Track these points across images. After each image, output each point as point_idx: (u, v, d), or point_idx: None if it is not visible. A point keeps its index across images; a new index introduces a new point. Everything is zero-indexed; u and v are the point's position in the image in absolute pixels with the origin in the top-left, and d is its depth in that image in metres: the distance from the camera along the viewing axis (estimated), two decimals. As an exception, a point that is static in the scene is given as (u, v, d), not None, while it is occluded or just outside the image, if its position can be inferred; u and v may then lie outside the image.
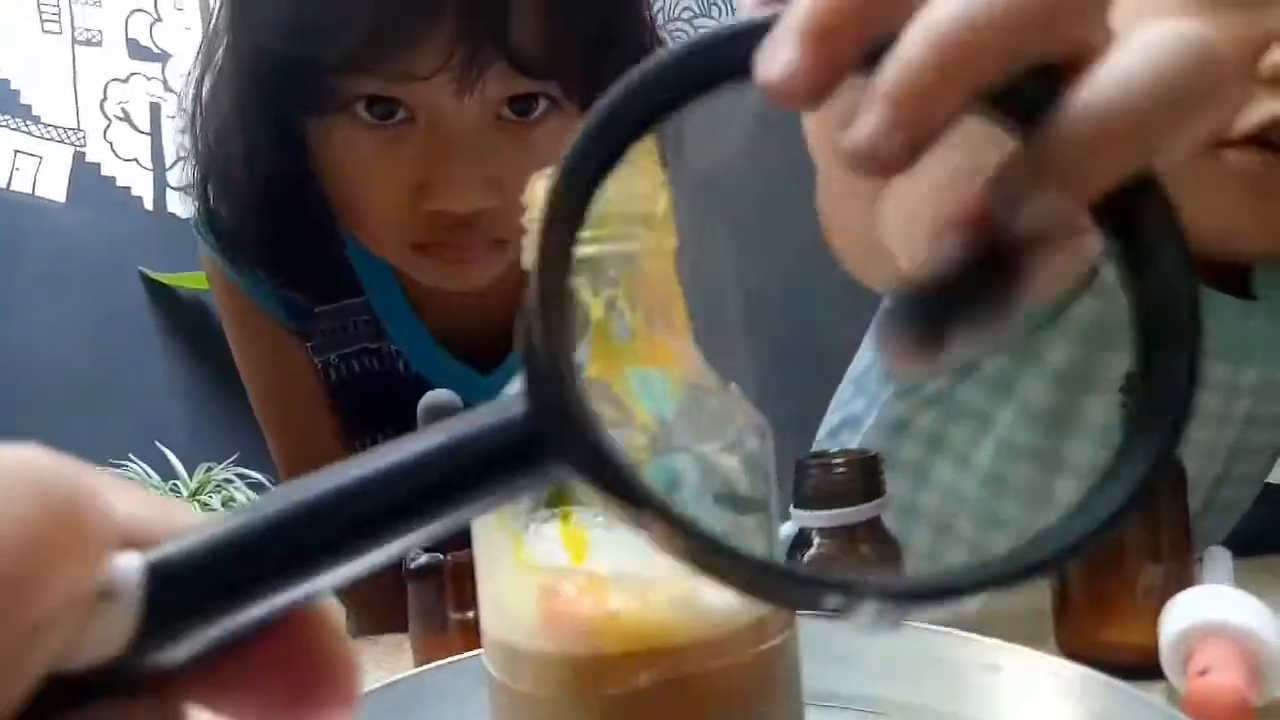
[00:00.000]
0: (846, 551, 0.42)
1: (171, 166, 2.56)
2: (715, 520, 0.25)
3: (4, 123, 2.29)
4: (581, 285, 0.25)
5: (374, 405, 0.76)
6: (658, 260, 0.26)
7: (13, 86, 2.30)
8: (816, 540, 0.43)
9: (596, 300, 0.25)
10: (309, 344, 0.75)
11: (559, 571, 0.23)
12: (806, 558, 0.42)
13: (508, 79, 0.58)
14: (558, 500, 0.24)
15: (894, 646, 0.34)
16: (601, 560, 0.23)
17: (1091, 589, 0.41)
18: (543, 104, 0.62)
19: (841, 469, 0.42)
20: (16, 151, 2.30)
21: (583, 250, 0.24)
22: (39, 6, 2.34)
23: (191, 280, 2.45)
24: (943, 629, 0.34)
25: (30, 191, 2.33)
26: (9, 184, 2.30)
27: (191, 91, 0.69)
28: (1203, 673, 0.34)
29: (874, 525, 0.43)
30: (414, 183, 0.60)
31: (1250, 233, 0.49)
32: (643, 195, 0.25)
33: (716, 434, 0.26)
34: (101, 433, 2.30)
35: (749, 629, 0.24)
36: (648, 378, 0.26)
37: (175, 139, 0.75)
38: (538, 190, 0.25)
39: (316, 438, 0.76)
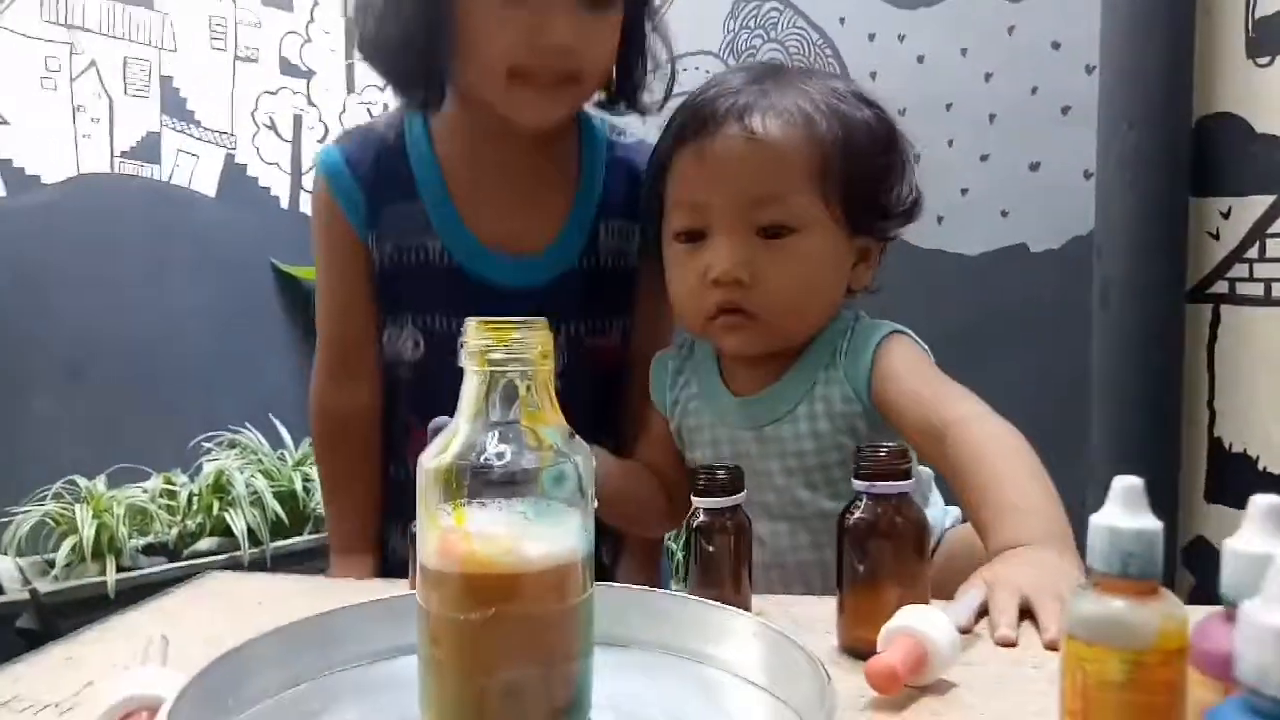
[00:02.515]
0: (720, 523, 0.64)
1: (307, 171, 2.89)
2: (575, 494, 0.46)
3: (171, 125, 2.63)
4: (515, 379, 0.46)
5: (414, 290, 0.97)
6: (544, 373, 0.46)
7: (181, 94, 2.64)
8: (702, 515, 0.64)
9: (522, 386, 0.46)
10: (374, 232, 0.97)
11: (449, 528, 0.44)
12: (695, 524, 0.64)
13: None
14: (455, 498, 0.44)
15: (673, 610, 0.54)
16: (472, 526, 0.44)
17: (856, 601, 0.59)
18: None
19: (720, 474, 0.65)
20: (179, 150, 2.65)
21: (512, 367, 0.45)
22: (210, 25, 2.69)
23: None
24: (720, 606, 0.54)
25: (187, 185, 2.67)
26: (170, 177, 2.64)
27: None
28: (880, 653, 0.51)
29: (736, 509, 0.64)
30: (529, 26, 0.85)
31: (733, 351, 0.88)
32: (537, 344, 0.45)
33: (576, 456, 0.46)
34: (225, 402, 2.62)
35: (554, 576, 0.44)
36: (548, 427, 0.46)
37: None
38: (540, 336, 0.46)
39: (355, 320, 1.00)
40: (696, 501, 0.64)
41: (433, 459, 0.45)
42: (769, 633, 0.51)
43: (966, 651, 0.57)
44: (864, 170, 0.84)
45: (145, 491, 2.41)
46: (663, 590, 0.58)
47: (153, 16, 2.57)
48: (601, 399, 1.02)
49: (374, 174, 0.98)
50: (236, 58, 2.76)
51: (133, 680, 0.46)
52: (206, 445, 2.53)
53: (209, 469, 2.45)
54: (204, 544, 2.36)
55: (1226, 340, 1.57)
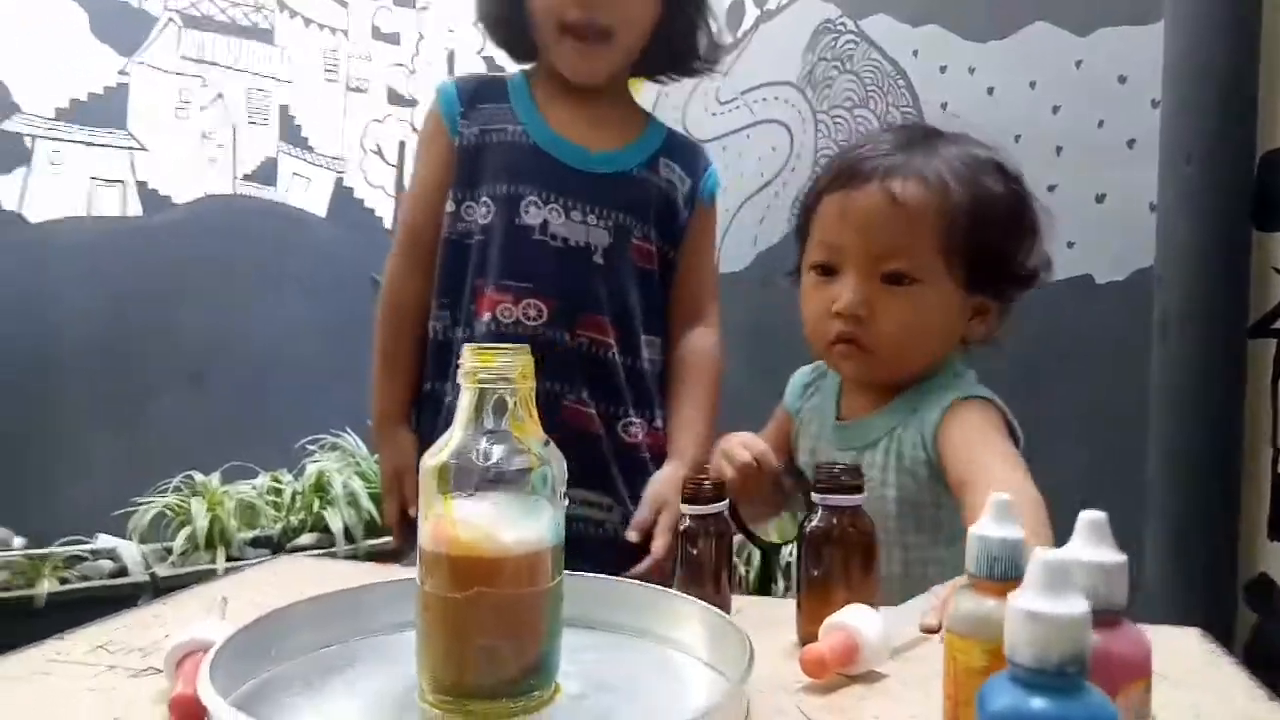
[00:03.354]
0: (705, 527, 0.73)
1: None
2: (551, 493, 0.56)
3: (287, 150, 2.86)
4: (506, 397, 0.55)
5: (491, 162, 1.16)
6: (525, 390, 0.56)
7: (296, 122, 2.87)
8: (688, 520, 0.74)
9: (511, 403, 0.56)
10: (464, 122, 1.18)
11: (441, 515, 0.54)
12: (681, 529, 0.74)
13: None
14: (445, 490, 0.54)
15: (634, 598, 0.63)
16: (459, 514, 0.53)
17: (811, 599, 0.66)
18: None
19: (705, 485, 0.75)
20: (294, 174, 2.87)
21: (506, 387, 0.55)
22: (324, 59, 2.91)
23: (412, 290, 2.96)
24: (673, 593, 0.63)
25: (300, 206, 2.90)
26: (285, 198, 2.87)
27: None
28: (816, 642, 0.59)
29: (719, 515, 0.75)
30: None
31: (846, 376, 0.99)
32: (518, 366, 0.55)
33: (552, 460, 0.56)
34: (329, 407, 2.82)
35: (526, 561, 0.53)
36: (530, 437, 0.56)
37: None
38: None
39: (429, 206, 1.19)
40: (683, 508, 0.72)
41: (432, 457, 0.56)
42: (711, 616, 0.59)
43: (909, 650, 0.64)
44: (989, 238, 0.92)
45: (254, 488, 2.62)
46: (625, 580, 0.67)
47: (273, 51, 2.81)
48: (634, 283, 1.18)
49: (473, 87, 1.22)
50: (347, 88, 2.97)
51: (195, 628, 0.57)
52: (310, 448, 2.73)
53: (311, 470, 2.64)
54: (304, 539, 2.54)
55: (1290, 376, 1.56)
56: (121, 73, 2.55)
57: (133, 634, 0.67)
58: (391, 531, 1.24)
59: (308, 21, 2.87)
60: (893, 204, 0.90)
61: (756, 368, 1.43)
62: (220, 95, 2.72)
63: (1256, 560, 1.57)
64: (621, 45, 1.14)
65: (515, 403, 0.56)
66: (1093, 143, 1.82)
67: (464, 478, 0.55)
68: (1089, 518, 0.43)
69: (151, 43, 2.59)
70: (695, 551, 0.72)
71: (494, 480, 0.55)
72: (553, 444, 0.57)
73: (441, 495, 0.55)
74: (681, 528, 0.72)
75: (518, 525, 0.54)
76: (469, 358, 0.55)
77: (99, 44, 2.51)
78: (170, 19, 2.62)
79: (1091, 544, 0.43)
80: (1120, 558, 0.43)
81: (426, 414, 1.21)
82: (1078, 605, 0.35)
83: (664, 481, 1.10)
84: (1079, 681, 0.35)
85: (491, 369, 0.55)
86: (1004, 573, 0.47)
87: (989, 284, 0.94)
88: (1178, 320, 1.61)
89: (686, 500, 0.72)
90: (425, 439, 1.20)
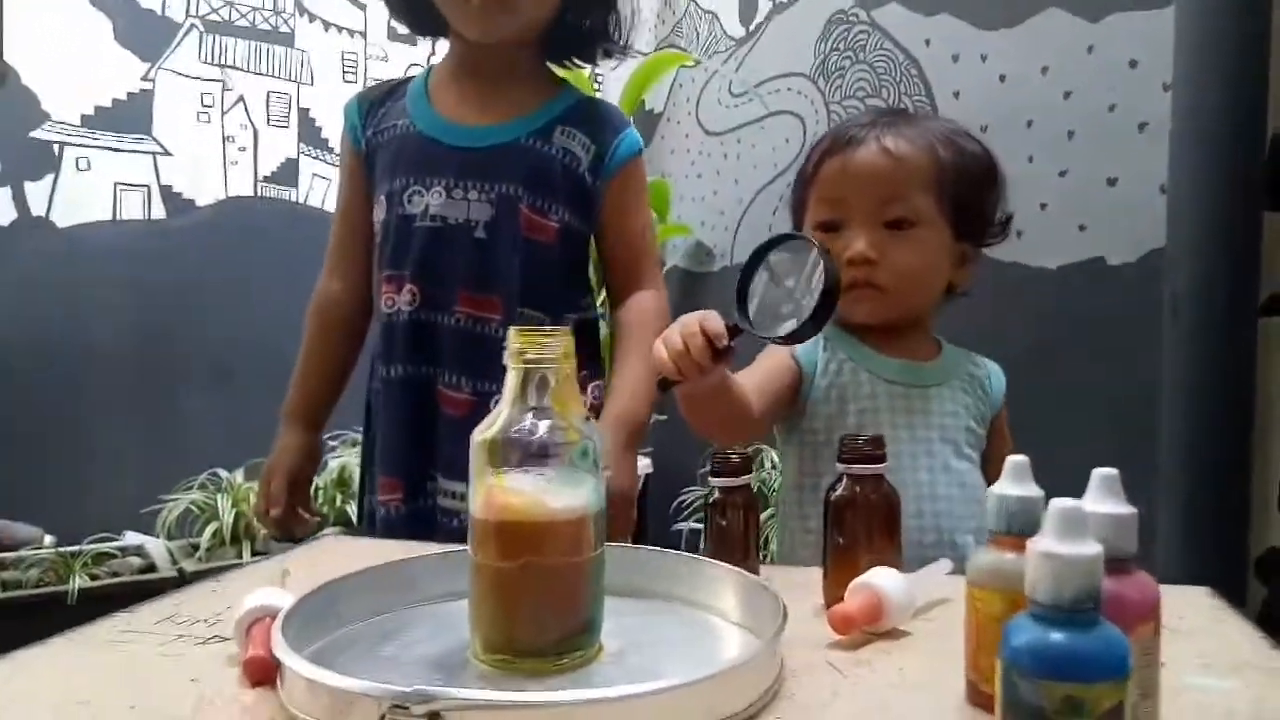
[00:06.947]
0: (731, 499, 0.76)
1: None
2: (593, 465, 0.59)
3: (308, 152, 2.90)
4: (550, 373, 0.59)
5: (384, 160, 1.19)
6: (566, 369, 0.59)
7: (317, 124, 2.91)
8: (718, 493, 0.77)
9: (555, 379, 0.59)
10: (366, 133, 1.21)
11: (493, 485, 0.57)
12: (711, 500, 0.77)
13: None
14: (495, 464, 0.58)
15: (671, 566, 0.66)
16: (508, 484, 0.57)
17: (836, 564, 0.69)
18: None
19: (734, 458, 0.77)
20: (313, 175, 2.91)
21: (549, 366, 0.58)
22: (343, 60, 2.95)
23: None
24: (707, 560, 0.66)
25: (320, 205, 2.94)
26: (305, 199, 2.91)
27: None
28: (842, 602, 0.62)
29: (746, 487, 0.77)
30: None
31: (861, 319, 1.05)
32: (560, 345, 0.58)
33: (593, 435, 0.59)
34: (349, 403, 2.82)
35: (571, 528, 0.57)
36: (572, 413, 0.60)
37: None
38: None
39: (346, 222, 1.26)
40: (712, 481, 0.75)
41: (481, 433, 0.59)
42: (744, 580, 0.63)
43: (930, 609, 0.67)
44: (970, 187, 1.04)
45: (279, 484, 2.66)
46: (658, 549, 0.71)
47: (293, 54, 2.85)
48: (520, 256, 1.15)
49: (376, 95, 1.26)
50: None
51: (259, 596, 0.61)
52: (332, 443, 2.77)
53: (334, 464, 2.68)
54: (327, 533, 2.58)
55: (1302, 354, 1.58)
56: (145, 79, 2.60)
57: (196, 607, 0.71)
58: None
59: (327, 25, 2.91)
60: (890, 157, 1.01)
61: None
62: (241, 99, 2.76)
63: (1268, 534, 1.60)
64: (523, 13, 1.13)
65: (557, 381, 0.59)
66: (1104, 127, 1.84)
67: (512, 452, 0.58)
68: (1101, 474, 0.47)
69: (174, 49, 2.64)
70: (725, 523, 0.75)
71: (539, 454, 0.59)
72: (593, 420, 0.60)
73: (492, 468, 0.58)
74: (711, 500, 0.76)
75: (563, 495, 0.58)
76: (514, 339, 0.59)
77: (123, 51, 2.56)
78: (193, 25, 2.66)
79: (1103, 497, 0.46)
80: (1130, 510, 0.46)
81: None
82: (1090, 547, 0.39)
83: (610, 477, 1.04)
84: (1094, 617, 0.38)
85: (534, 349, 0.58)
86: (1022, 528, 0.50)
87: (972, 230, 1.06)
88: (1189, 300, 1.63)
89: (714, 473, 0.75)
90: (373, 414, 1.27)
